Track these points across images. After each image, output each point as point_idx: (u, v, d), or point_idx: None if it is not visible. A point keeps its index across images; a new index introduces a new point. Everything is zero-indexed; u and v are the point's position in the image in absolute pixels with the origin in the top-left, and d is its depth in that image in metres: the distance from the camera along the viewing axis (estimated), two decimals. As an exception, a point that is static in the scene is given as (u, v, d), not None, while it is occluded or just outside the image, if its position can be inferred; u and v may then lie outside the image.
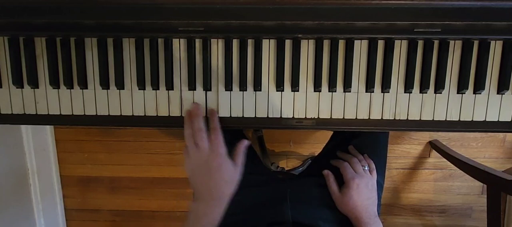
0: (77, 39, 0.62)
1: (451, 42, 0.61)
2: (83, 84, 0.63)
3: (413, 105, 0.63)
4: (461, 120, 0.63)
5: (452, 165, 1.35)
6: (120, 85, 0.63)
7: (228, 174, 0.62)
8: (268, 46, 0.62)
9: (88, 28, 0.61)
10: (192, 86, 0.63)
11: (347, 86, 0.62)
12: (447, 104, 0.63)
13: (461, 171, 1.29)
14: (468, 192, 1.58)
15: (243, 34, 0.61)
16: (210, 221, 0.61)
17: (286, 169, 1.52)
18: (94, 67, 0.63)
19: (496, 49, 0.61)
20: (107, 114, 0.65)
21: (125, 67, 0.63)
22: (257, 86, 0.63)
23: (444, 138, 1.51)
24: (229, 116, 0.64)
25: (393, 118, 0.64)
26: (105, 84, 0.63)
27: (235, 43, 0.62)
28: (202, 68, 0.63)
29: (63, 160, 1.58)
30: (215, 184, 0.61)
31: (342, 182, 0.73)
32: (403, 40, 0.61)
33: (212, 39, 0.62)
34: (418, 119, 0.64)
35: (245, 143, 0.65)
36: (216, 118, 0.63)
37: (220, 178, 0.61)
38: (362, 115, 0.64)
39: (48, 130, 1.51)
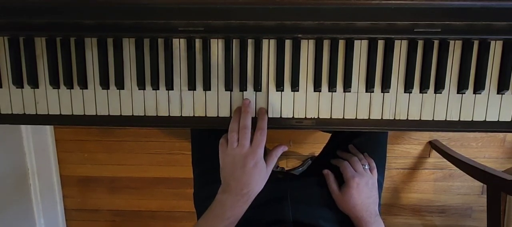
0: (77, 39, 0.62)
1: (451, 42, 0.61)
2: (83, 84, 0.63)
3: (413, 105, 0.63)
4: (461, 120, 0.63)
5: (452, 165, 1.35)
6: (120, 85, 0.63)
7: (261, 174, 0.63)
8: (268, 46, 0.62)
9: (88, 28, 0.61)
10: (192, 86, 0.63)
11: (347, 86, 0.62)
12: (447, 104, 0.63)
13: (461, 171, 1.29)
14: (468, 192, 1.58)
15: (243, 34, 0.61)
16: (234, 214, 0.63)
17: (286, 169, 1.52)
18: (94, 67, 0.63)
19: (496, 49, 0.61)
20: (107, 113, 0.65)
21: (125, 67, 0.63)
22: (257, 86, 0.63)
23: (444, 138, 1.51)
24: (229, 115, 0.64)
25: (393, 118, 0.64)
26: (105, 84, 0.63)
27: (235, 43, 0.62)
28: (202, 68, 0.63)
29: (63, 160, 1.58)
30: (247, 181, 0.62)
31: (342, 181, 0.73)
32: (403, 40, 0.61)
33: (212, 39, 0.62)
34: (418, 119, 0.64)
35: (281, 148, 0.66)
36: (266, 118, 0.63)
37: (252, 176, 0.62)
38: (362, 115, 0.64)
39: (48, 130, 1.51)
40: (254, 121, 0.63)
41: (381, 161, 0.83)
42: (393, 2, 0.56)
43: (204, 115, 0.65)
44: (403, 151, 1.54)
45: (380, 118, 0.64)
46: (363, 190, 0.70)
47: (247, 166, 0.61)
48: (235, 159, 0.61)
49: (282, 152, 0.67)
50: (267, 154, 0.65)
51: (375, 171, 0.75)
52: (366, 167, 0.74)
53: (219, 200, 0.64)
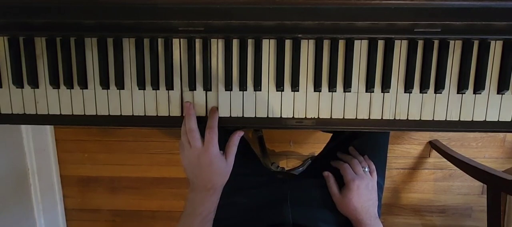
0: (77, 39, 0.62)
1: (451, 42, 0.61)
2: (83, 84, 0.63)
3: (413, 105, 0.63)
4: (461, 120, 0.63)
5: (452, 165, 1.35)
6: (120, 85, 0.63)
7: (219, 169, 0.64)
8: (268, 46, 0.62)
9: (88, 28, 0.61)
10: (192, 86, 0.63)
11: (347, 86, 0.62)
12: (447, 104, 0.63)
13: (461, 171, 1.29)
14: (468, 192, 1.58)
15: (243, 34, 0.61)
16: (206, 209, 0.64)
17: (286, 169, 1.52)
18: (94, 67, 0.63)
19: (496, 49, 0.61)
20: (107, 113, 0.65)
21: (125, 67, 0.63)
22: (257, 86, 0.63)
23: (444, 138, 1.51)
24: (229, 116, 0.64)
25: (393, 118, 0.64)
26: (105, 84, 0.63)
27: (235, 43, 0.62)
28: (202, 68, 0.63)
29: (63, 160, 1.58)
30: (208, 177, 0.63)
31: (342, 183, 0.73)
32: (403, 40, 0.61)
33: (212, 39, 0.62)
34: (418, 119, 0.64)
35: (237, 135, 0.66)
36: (216, 117, 0.63)
37: (211, 172, 0.63)
38: (362, 115, 0.64)
39: (48, 130, 1.51)
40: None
41: (382, 164, 0.83)
42: (393, 2, 0.56)
43: (204, 115, 0.65)
44: (403, 151, 1.54)
45: (380, 118, 0.64)
46: (363, 193, 0.70)
47: (202, 165, 0.62)
48: (191, 159, 0.63)
49: (239, 138, 0.67)
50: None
51: (375, 174, 0.75)
52: (366, 169, 0.74)
53: (189, 199, 0.66)
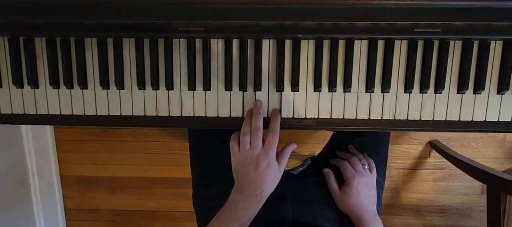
0: (77, 39, 0.62)
1: (451, 42, 0.61)
2: (83, 84, 0.63)
3: (413, 105, 0.63)
4: (461, 120, 0.63)
5: (452, 165, 1.35)
6: (120, 85, 0.63)
7: (273, 175, 0.63)
8: (268, 46, 0.62)
9: (88, 28, 0.61)
10: (192, 86, 0.63)
11: (347, 86, 0.62)
12: (447, 104, 0.63)
13: (461, 171, 1.29)
14: (468, 192, 1.58)
15: (243, 34, 0.61)
16: (247, 214, 0.63)
17: (286, 169, 1.52)
18: (94, 67, 0.63)
19: (496, 49, 0.61)
20: (107, 113, 0.65)
21: (125, 67, 0.63)
22: (257, 86, 0.63)
23: (444, 138, 1.51)
24: (229, 115, 0.64)
25: (393, 118, 0.64)
26: (105, 84, 0.63)
27: (235, 43, 0.62)
28: (202, 68, 0.63)
29: (63, 160, 1.58)
30: (260, 182, 0.62)
31: (342, 181, 0.73)
32: (403, 40, 0.61)
33: (212, 39, 0.62)
34: (418, 119, 0.64)
35: (291, 146, 0.66)
36: (278, 120, 0.63)
37: (265, 177, 0.62)
38: (362, 115, 0.64)
39: (48, 130, 1.51)
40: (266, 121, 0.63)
41: (382, 162, 0.83)
42: (393, 2, 0.56)
43: (204, 115, 0.65)
44: (403, 151, 1.54)
45: (380, 118, 0.64)
46: (363, 190, 0.71)
47: (259, 167, 0.61)
48: (247, 160, 0.62)
49: (292, 150, 0.66)
50: (277, 154, 0.65)
51: (374, 171, 0.75)
52: (366, 166, 0.74)
53: (233, 200, 0.64)
